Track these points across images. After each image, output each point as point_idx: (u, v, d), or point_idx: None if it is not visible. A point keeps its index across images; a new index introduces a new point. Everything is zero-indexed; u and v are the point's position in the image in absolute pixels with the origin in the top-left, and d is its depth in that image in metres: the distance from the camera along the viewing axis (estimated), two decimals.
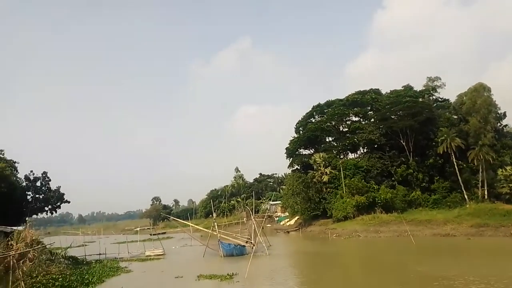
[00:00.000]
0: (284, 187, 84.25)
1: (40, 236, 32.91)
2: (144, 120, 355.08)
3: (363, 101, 72.00)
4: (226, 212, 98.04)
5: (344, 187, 60.09)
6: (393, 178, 61.93)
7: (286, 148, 75.19)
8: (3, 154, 51.74)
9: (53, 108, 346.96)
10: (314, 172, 65.20)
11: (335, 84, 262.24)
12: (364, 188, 58.25)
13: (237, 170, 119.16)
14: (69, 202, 60.22)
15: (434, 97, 70.30)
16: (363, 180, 60.00)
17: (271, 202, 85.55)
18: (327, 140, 74.21)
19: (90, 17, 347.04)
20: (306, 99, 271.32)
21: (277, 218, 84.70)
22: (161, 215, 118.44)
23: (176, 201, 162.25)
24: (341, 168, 62.52)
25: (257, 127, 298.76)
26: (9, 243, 25.83)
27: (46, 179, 57.86)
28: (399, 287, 21.18)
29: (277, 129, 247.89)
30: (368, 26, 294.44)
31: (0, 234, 28.07)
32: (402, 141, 62.40)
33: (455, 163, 55.44)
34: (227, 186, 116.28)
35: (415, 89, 69.61)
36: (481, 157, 52.83)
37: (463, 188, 55.13)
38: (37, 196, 57.17)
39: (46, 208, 58.47)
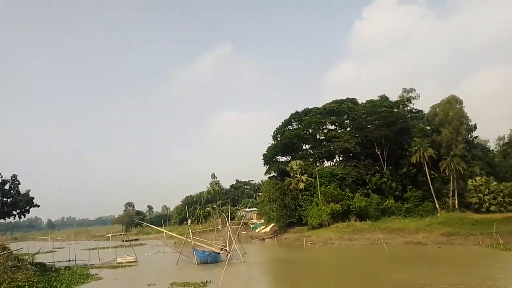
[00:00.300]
0: (260, 194, 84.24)
1: (6, 241, 31.84)
2: (119, 124, 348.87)
3: (340, 110, 73.00)
4: (201, 219, 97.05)
5: (319, 195, 60.49)
6: (367, 187, 62.84)
7: (264, 155, 75.27)
8: None
9: (24, 107, 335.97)
10: (291, 179, 65.43)
11: (314, 92, 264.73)
12: (339, 196, 58.79)
13: (213, 176, 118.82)
14: (38, 206, 57.95)
15: (408, 108, 72.05)
16: (338, 188, 60.55)
17: (247, 209, 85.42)
18: (304, 147, 74.77)
19: (64, 16, 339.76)
20: (285, 106, 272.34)
21: (253, 225, 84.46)
22: (134, 221, 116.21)
23: (150, 207, 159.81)
24: (317, 175, 62.98)
25: (235, 133, 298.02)
26: None
27: (16, 182, 55.73)
28: None
29: (255, 135, 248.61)
30: (347, 37, 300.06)
31: None
32: (377, 150, 63.48)
33: (427, 172, 56.76)
34: (203, 192, 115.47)
35: (390, 99, 71.17)
36: (452, 167, 54.28)
37: (434, 198, 56.38)
38: (4, 199, 54.96)
39: (14, 212, 55.99)
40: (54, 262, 39.39)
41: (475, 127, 63.61)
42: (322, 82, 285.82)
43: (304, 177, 64.15)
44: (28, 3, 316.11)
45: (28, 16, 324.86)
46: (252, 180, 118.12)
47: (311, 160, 70.38)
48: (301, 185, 63.68)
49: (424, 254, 38.07)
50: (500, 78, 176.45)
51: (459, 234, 43.52)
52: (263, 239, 68.22)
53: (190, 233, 41.32)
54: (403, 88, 71.59)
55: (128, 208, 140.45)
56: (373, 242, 46.53)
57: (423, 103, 78.35)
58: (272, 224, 71.99)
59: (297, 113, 76.07)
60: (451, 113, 55.70)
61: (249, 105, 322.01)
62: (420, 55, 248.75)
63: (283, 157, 76.01)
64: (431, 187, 56.39)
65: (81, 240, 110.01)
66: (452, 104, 56.45)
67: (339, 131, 72.71)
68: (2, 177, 55.34)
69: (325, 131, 73.95)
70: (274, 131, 76.90)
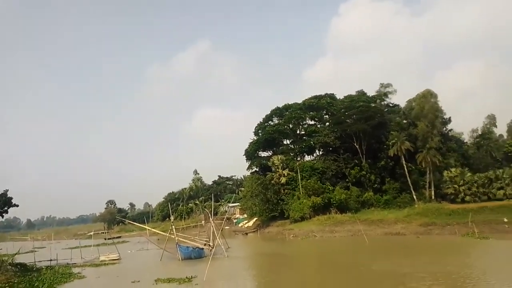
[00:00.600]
0: (243, 189, 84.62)
1: None
2: (99, 122, 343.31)
3: (319, 105, 73.85)
4: (184, 215, 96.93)
5: (301, 189, 61.32)
6: (347, 180, 64.01)
7: (246, 150, 75.71)
8: None
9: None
10: (273, 174, 66.10)
11: (294, 88, 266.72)
12: (320, 189, 59.78)
13: (195, 172, 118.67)
14: (17, 205, 57.18)
15: (385, 102, 73.28)
16: (319, 181, 61.56)
17: (230, 204, 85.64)
18: (285, 142, 75.58)
19: (40, 11, 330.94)
20: (266, 103, 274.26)
21: (236, 220, 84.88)
22: (116, 218, 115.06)
23: (132, 204, 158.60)
24: (298, 170, 63.80)
25: (216, 129, 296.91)
26: None
27: None
28: (356, 285, 22.04)
29: (237, 131, 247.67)
30: (325, 33, 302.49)
31: None
32: (355, 144, 64.63)
33: (404, 165, 58.19)
34: (185, 188, 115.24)
35: (368, 94, 72.33)
36: (429, 159, 55.76)
37: (412, 189, 57.91)
38: None
39: None
40: (35, 262, 38.84)
41: (449, 120, 65.51)
42: (302, 78, 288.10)
43: (285, 172, 64.92)
44: None
45: None
46: (235, 176, 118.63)
47: (292, 154, 71.24)
48: (283, 180, 64.44)
49: (403, 244, 39.21)
50: (473, 73, 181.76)
51: (436, 224, 44.88)
52: (246, 234, 68.73)
53: (174, 229, 41.43)
54: (380, 83, 72.70)
55: (110, 205, 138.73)
56: (353, 234, 47.59)
57: (400, 97, 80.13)
58: (255, 219, 72.57)
59: (278, 108, 76.59)
60: (427, 107, 57.07)
61: (230, 101, 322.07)
62: (396, 51, 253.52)
63: (264, 152, 76.70)
64: (408, 179, 57.84)
65: (62, 239, 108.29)
66: (427, 98, 57.86)
67: (319, 126, 73.81)
68: None
69: (305, 126, 74.87)
70: (256, 127, 77.35)
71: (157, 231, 53.71)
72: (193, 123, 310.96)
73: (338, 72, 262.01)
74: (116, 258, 42.53)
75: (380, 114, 65.41)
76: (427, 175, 57.81)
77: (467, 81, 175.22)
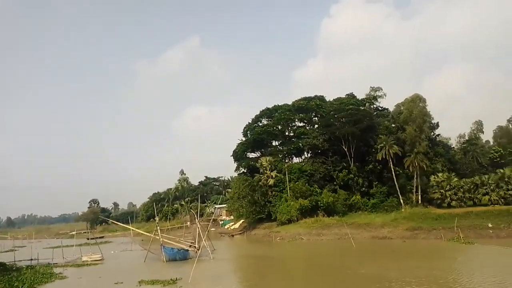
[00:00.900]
0: (230, 190, 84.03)
1: None
2: (84, 120, 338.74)
3: (308, 107, 73.76)
4: (169, 216, 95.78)
5: (288, 191, 60.99)
6: (335, 183, 63.92)
7: (234, 151, 75.19)
8: None
9: None
10: (260, 175, 65.68)
11: (284, 88, 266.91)
12: (307, 191, 59.52)
13: (182, 172, 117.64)
14: None
15: (374, 105, 73.66)
16: (307, 184, 61.30)
17: (217, 206, 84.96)
18: (274, 144, 75.28)
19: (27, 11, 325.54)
20: (255, 102, 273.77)
21: (222, 222, 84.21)
22: (100, 218, 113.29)
23: (116, 204, 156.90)
24: (286, 172, 63.49)
25: (204, 129, 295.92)
26: None
27: None
28: None
29: (225, 131, 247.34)
30: (316, 34, 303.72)
31: None
32: (344, 147, 64.64)
33: (392, 169, 58.34)
34: (170, 189, 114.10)
35: (358, 97, 72.51)
36: (416, 164, 56.05)
37: (399, 193, 58.07)
38: None
39: None
40: (15, 261, 38.15)
41: (437, 125, 66.07)
42: (292, 78, 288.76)
43: (273, 173, 64.57)
44: None
45: None
46: (222, 177, 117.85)
47: (280, 156, 70.92)
48: (271, 181, 64.05)
49: (389, 248, 39.20)
50: (461, 78, 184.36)
51: (422, 229, 44.85)
52: (233, 236, 68.18)
53: (159, 230, 40.67)
54: (370, 87, 73.22)
55: (93, 205, 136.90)
56: (340, 237, 47.36)
57: (389, 101, 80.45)
58: (242, 221, 72.04)
59: (267, 109, 76.32)
60: (415, 111, 57.41)
61: (218, 100, 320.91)
62: (386, 54, 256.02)
63: (253, 154, 76.24)
64: (396, 183, 58.02)
65: (44, 238, 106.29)
66: (416, 103, 58.21)
67: (308, 128, 73.65)
68: None
69: (294, 127, 74.70)
70: (245, 127, 76.94)
71: (141, 232, 52.74)
72: (181, 121, 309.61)
73: (328, 74, 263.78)
74: (99, 258, 41.65)
75: (369, 117, 65.63)
76: (414, 180, 58.08)
77: (455, 85, 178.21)
